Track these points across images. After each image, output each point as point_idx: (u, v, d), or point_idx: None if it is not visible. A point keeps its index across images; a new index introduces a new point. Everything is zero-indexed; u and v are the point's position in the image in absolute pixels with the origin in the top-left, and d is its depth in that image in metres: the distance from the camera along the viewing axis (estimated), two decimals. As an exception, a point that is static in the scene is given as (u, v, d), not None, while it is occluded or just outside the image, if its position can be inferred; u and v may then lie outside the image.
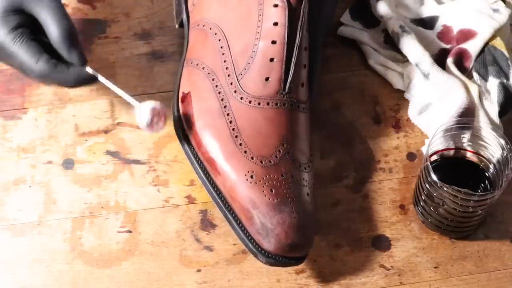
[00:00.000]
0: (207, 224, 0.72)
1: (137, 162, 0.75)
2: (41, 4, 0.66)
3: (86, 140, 0.76)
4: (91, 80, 0.69)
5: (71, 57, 0.67)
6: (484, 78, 0.78)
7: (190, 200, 0.74)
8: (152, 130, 0.68)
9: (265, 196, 0.66)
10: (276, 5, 0.69)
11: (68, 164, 0.75)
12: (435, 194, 0.68)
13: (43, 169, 0.75)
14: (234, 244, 0.71)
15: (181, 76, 0.74)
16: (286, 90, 0.69)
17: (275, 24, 0.69)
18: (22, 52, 0.66)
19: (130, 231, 0.72)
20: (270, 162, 0.67)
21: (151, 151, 0.76)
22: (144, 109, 0.67)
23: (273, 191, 0.66)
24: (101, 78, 0.68)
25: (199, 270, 0.70)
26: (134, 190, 0.74)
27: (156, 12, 0.85)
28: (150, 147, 0.76)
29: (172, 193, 0.74)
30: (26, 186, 0.74)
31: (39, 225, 0.72)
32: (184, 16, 0.78)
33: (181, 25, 0.80)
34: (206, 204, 0.73)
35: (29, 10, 0.67)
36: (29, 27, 0.67)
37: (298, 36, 0.69)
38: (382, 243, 0.72)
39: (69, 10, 0.82)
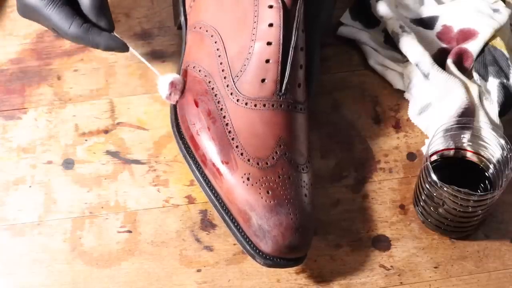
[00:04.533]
0: (207, 224, 0.72)
1: (137, 162, 0.75)
2: None
3: (86, 140, 0.76)
4: (120, 47, 0.71)
5: (99, 23, 0.70)
6: (484, 78, 0.78)
7: (190, 200, 0.74)
8: (169, 100, 0.73)
9: (262, 198, 0.66)
10: (271, 6, 0.69)
11: (68, 164, 0.75)
12: (435, 194, 0.68)
13: (43, 169, 0.75)
14: (234, 244, 0.71)
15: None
16: (283, 91, 0.69)
17: (270, 25, 0.69)
18: (55, 16, 0.69)
19: (130, 231, 0.72)
20: (266, 164, 0.67)
21: (151, 151, 0.76)
22: (164, 82, 0.72)
23: (270, 192, 0.66)
24: (130, 48, 0.72)
25: (199, 270, 0.70)
26: (134, 190, 0.74)
27: (156, 12, 0.85)
28: (150, 147, 0.76)
29: (172, 193, 0.74)
30: (26, 186, 0.74)
31: (39, 225, 0.72)
32: (182, 19, 0.78)
33: (180, 27, 0.80)
34: (206, 204, 0.73)
35: None
36: None
37: (293, 36, 0.69)
38: (382, 243, 0.72)
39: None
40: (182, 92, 0.72)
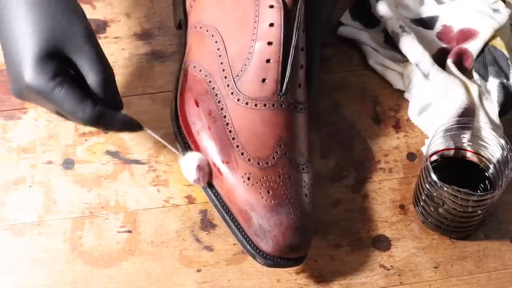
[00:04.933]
0: (207, 224, 0.72)
1: (137, 162, 0.75)
2: (80, 52, 0.64)
3: (86, 140, 0.76)
4: (134, 129, 0.67)
5: (106, 101, 0.65)
6: (484, 78, 0.78)
7: (190, 200, 0.74)
8: (198, 184, 0.69)
9: (262, 197, 0.66)
10: (271, 6, 0.69)
11: (68, 164, 0.75)
12: (435, 194, 0.68)
13: (43, 169, 0.75)
14: (234, 244, 0.71)
15: (178, 78, 0.74)
16: (283, 91, 0.69)
17: (271, 25, 0.69)
18: (66, 102, 0.63)
19: (130, 231, 0.72)
20: (267, 163, 0.67)
21: (151, 151, 0.76)
22: (190, 166, 0.68)
23: (270, 192, 0.66)
24: (145, 128, 0.68)
25: (199, 270, 0.70)
26: (134, 190, 0.74)
27: (156, 12, 0.85)
28: (150, 147, 0.76)
29: (172, 193, 0.74)
30: (26, 186, 0.74)
31: (39, 225, 0.72)
32: (182, 18, 0.78)
33: (180, 27, 0.80)
34: (206, 204, 0.73)
35: (67, 55, 0.64)
36: (68, 69, 0.64)
37: (294, 36, 0.69)
38: (382, 243, 0.72)
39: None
40: (211, 174, 0.68)
